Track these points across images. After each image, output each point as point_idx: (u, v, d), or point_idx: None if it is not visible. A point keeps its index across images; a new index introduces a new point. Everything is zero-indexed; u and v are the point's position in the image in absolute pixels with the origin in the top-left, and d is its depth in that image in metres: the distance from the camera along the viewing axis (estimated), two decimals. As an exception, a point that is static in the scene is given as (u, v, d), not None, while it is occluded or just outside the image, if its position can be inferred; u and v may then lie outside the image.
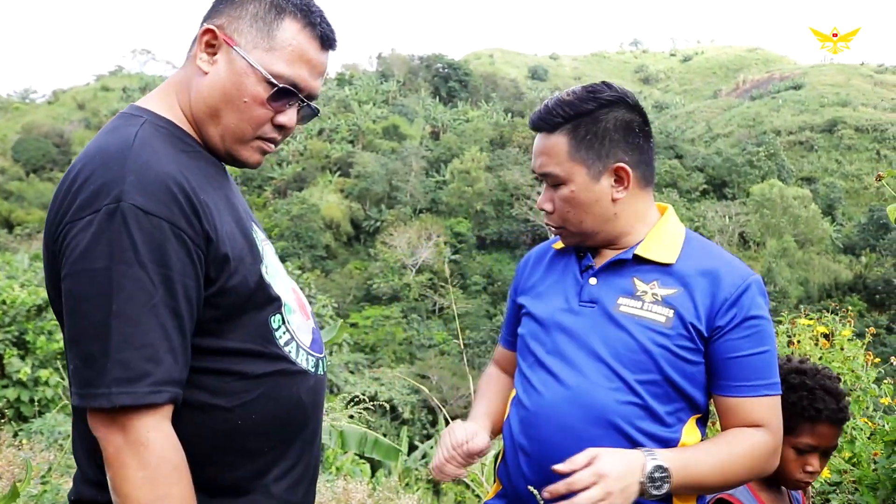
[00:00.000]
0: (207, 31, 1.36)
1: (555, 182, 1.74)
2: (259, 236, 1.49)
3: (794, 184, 61.29)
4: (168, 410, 1.25)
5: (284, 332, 1.46)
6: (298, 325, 1.52)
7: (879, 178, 2.41)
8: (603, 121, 1.72)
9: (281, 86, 1.39)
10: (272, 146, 1.48)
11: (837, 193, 63.56)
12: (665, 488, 1.53)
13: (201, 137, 1.44)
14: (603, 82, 1.76)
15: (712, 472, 1.59)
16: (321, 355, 1.59)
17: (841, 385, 2.02)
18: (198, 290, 1.29)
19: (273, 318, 1.43)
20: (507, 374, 2.03)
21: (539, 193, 1.82)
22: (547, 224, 1.81)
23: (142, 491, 1.19)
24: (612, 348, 1.68)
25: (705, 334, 1.67)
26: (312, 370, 1.52)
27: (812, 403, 1.95)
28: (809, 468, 1.96)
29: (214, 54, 1.38)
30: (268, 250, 1.50)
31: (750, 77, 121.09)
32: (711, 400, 1.76)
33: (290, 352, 1.46)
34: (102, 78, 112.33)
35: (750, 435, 1.65)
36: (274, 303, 1.44)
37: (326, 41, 1.46)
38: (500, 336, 2.10)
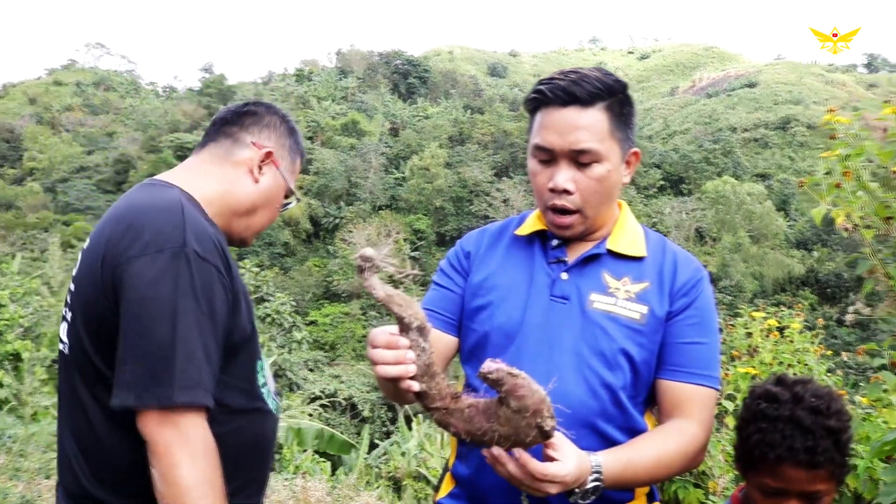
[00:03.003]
0: (269, 153, 1.80)
1: (592, 159, 1.62)
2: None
3: (750, 180, 62.22)
4: (206, 415, 1.48)
5: (262, 377, 1.74)
6: (268, 376, 1.80)
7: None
8: (627, 102, 1.68)
9: (298, 198, 1.95)
10: None
11: (791, 189, 64.68)
12: (596, 491, 1.48)
13: (217, 219, 1.71)
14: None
15: (646, 471, 1.56)
16: (279, 400, 1.87)
17: (837, 420, 1.56)
18: (227, 325, 1.56)
19: (258, 363, 1.72)
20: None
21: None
22: (559, 206, 1.66)
23: (191, 476, 1.40)
24: (587, 346, 1.64)
25: (664, 320, 1.68)
26: (276, 412, 1.80)
27: (764, 438, 1.56)
28: None
29: (262, 168, 1.79)
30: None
31: (706, 75, 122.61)
32: None
33: (264, 394, 1.73)
34: (55, 72, 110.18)
35: (683, 430, 1.62)
36: (258, 351, 1.74)
37: None
38: (427, 312, 1.65)
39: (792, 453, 1.52)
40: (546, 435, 1.34)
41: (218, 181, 1.75)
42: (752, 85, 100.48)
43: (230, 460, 1.58)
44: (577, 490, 1.45)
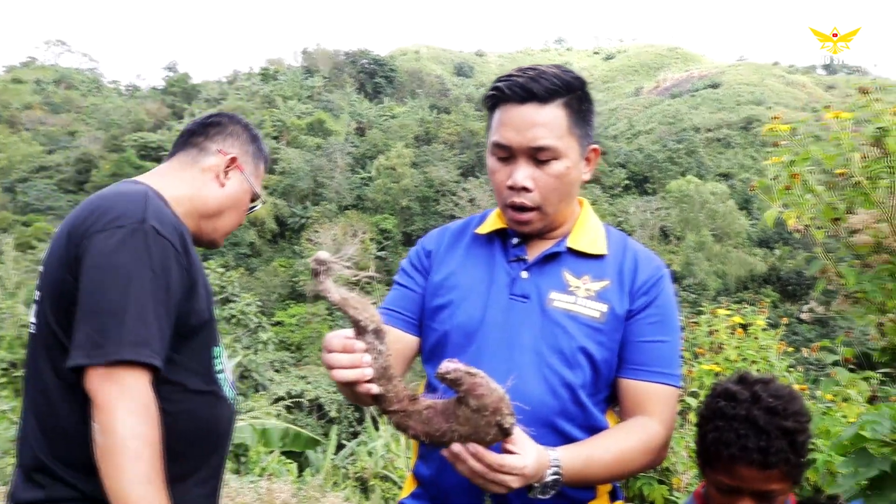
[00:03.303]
0: (233, 159, 1.93)
1: (550, 156, 1.61)
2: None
3: (713, 179, 62.97)
4: (150, 377, 1.53)
5: (219, 364, 1.81)
6: (225, 365, 1.87)
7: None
8: (586, 100, 1.67)
9: (264, 201, 2.08)
10: None
11: (753, 189, 65.35)
12: (555, 484, 1.48)
13: (186, 219, 1.79)
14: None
15: (606, 467, 1.55)
16: (236, 394, 1.93)
17: (794, 421, 1.55)
18: (181, 302, 1.64)
19: (214, 349, 1.80)
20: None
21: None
22: (518, 203, 1.65)
23: (126, 428, 1.45)
24: (546, 344, 1.64)
25: (625, 318, 1.68)
26: (232, 402, 1.86)
27: (720, 436, 1.56)
28: None
29: (227, 173, 1.92)
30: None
31: (670, 76, 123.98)
32: None
33: (220, 379, 1.80)
34: (14, 69, 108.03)
35: (645, 427, 1.62)
36: (216, 338, 1.82)
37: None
38: (388, 312, 1.81)
39: (746, 453, 1.52)
40: (506, 432, 1.34)
41: (187, 185, 1.87)
42: (715, 86, 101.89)
43: (183, 440, 1.66)
44: (536, 485, 1.45)
